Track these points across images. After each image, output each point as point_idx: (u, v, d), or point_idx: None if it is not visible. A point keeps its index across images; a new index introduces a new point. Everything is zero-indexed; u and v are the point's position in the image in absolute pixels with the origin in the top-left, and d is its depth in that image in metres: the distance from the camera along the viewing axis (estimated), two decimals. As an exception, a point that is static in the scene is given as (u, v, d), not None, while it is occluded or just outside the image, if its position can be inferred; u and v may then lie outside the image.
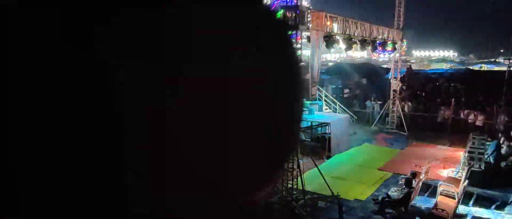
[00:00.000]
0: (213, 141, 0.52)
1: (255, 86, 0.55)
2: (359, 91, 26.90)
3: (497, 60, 57.32)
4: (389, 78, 21.94)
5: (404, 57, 34.04)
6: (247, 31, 0.55)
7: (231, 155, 0.55)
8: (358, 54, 66.01)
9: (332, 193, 10.90)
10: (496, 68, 41.58)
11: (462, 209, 10.05)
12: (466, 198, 10.52)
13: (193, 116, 0.50)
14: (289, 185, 10.33)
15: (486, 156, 13.20)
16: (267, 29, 0.59)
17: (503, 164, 13.08)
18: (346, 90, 27.02)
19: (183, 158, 0.51)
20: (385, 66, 39.74)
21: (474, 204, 10.61)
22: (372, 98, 23.24)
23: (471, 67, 42.93)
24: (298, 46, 10.47)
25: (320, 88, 20.22)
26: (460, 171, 12.99)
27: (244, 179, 0.58)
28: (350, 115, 19.05)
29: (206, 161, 0.52)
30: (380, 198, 10.34)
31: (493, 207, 10.54)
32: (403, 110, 20.70)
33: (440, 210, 9.27)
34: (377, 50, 18.14)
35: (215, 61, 0.51)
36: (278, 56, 0.60)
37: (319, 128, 17.81)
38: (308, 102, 18.62)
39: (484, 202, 10.78)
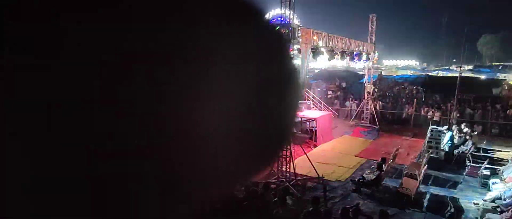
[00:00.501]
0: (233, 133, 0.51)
1: (266, 88, 0.55)
2: (340, 93, 26.86)
3: (450, 67, 57.15)
4: (364, 82, 21.89)
5: (376, 65, 33.90)
6: (259, 42, 0.55)
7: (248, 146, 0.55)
8: (339, 63, 65.86)
9: (318, 175, 10.91)
10: (450, 74, 41.47)
11: (422, 188, 10.04)
12: (425, 179, 10.51)
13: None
14: (283, 169, 10.34)
15: (442, 145, 13.21)
16: (274, 41, 0.59)
17: (455, 151, 13.07)
18: (330, 92, 26.98)
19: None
20: (361, 72, 39.66)
21: (432, 184, 10.61)
22: (350, 98, 23.21)
23: (429, 73, 42.82)
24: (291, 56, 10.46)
25: (308, 90, 20.19)
26: (421, 157, 13.00)
27: (252, 165, 0.58)
28: (333, 112, 18.99)
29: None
30: (357, 179, 10.35)
31: (447, 186, 10.54)
32: (375, 108, 20.66)
33: (405, 189, 9.28)
34: (354, 60, 18.10)
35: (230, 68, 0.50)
36: (282, 63, 0.60)
37: (308, 122, 17.80)
38: (299, 101, 18.62)
39: (440, 182, 10.78)
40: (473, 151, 12.97)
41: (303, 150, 12.18)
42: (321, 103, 19.92)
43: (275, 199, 7.84)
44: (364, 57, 18.71)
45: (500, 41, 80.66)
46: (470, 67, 56.07)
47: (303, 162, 11.81)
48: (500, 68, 49.85)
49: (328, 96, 25.77)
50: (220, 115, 0.49)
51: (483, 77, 37.73)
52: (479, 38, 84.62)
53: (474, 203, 9.14)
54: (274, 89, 0.57)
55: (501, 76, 42.74)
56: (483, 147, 14.44)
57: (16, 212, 0.38)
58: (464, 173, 11.33)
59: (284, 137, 0.65)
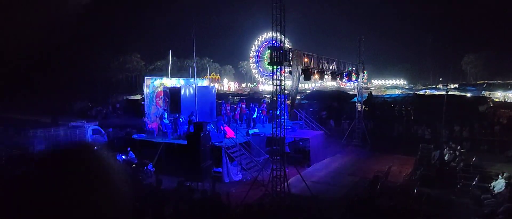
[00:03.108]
0: None
1: None
2: (332, 113, 27.02)
3: (437, 86, 58.21)
4: (355, 102, 22.11)
5: (366, 85, 34.50)
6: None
7: None
8: (330, 83, 66.69)
9: (312, 194, 10.82)
10: (437, 93, 42.15)
11: (416, 205, 9.96)
12: (418, 196, 10.46)
13: None
14: (278, 190, 10.23)
15: (432, 162, 13.25)
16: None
17: (446, 168, 13.09)
18: (323, 112, 27.15)
19: None
20: (351, 92, 40.10)
21: (425, 201, 10.53)
22: (342, 118, 23.35)
23: (417, 92, 43.44)
24: (282, 78, 10.56)
25: (301, 111, 20.29)
26: (413, 174, 13.00)
27: None
28: (325, 131, 19.03)
29: None
30: (350, 198, 10.27)
31: (440, 203, 10.47)
32: (366, 127, 20.80)
33: (400, 206, 9.23)
34: (344, 80, 18.36)
35: None
36: None
37: (301, 143, 17.79)
38: (291, 122, 18.68)
39: (432, 199, 10.70)
40: (463, 167, 13.01)
41: (297, 170, 12.12)
42: (313, 123, 19.98)
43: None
44: (353, 77, 18.99)
45: (483, 60, 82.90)
46: (456, 85, 57.20)
47: (297, 182, 11.73)
48: (484, 86, 50.92)
49: (323, 116, 25.92)
50: None
51: (469, 95, 38.45)
52: (463, 57, 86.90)
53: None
54: None
55: (486, 94, 43.65)
56: (473, 163, 14.51)
57: None
58: (456, 190, 11.32)
59: None
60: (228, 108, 18.24)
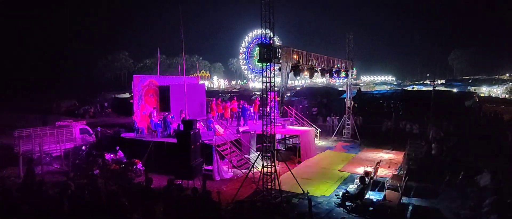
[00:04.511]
0: None
1: None
2: (322, 109, 27.21)
3: (424, 82, 59.06)
4: (344, 98, 22.29)
5: (355, 81, 34.78)
6: None
7: None
8: (319, 80, 67.07)
9: (303, 191, 10.88)
10: (424, 88, 42.82)
11: (405, 199, 10.14)
12: (407, 190, 10.63)
13: None
14: (269, 186, 10.25)
15: (420, 156, 13.45)
16: None
17: (433, 162, 13.30)
18: (314, 109, 27.31)
19: None
20: (340, 88, 40.39)
21: (414, 195, 10.73)
22: (332, 114, 23.53)
23: (405, 88, 44.04)
24: (272, 75, 10.55)
25: (291, 107, 20.35)
26: (402, 169, 13.19)
27: None
28: (315, 128, 19.14)
29: None
30: (341, 194, 10.36)
31: (428, 197, 10.66)
32: (356, 123, 21.00)
33: (388, 201, 9.35)
34: (334, 77, 18.47)
35: None
36: None
37: (291, 139, 17.86)
38: (281, 119, 18.73)
39: (421, 193, 10.90)
40: (450, 161, 13.23)
41: (288, 166, 12.16)
42: (303, 120, 20.07)
43: None
44: (343, 74, 19.13)
45: (469, 56, 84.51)
46: (443, 81, 58.17)
47: (288, 178, 11.76)
48: (470, 81, 51.93)
49: (313, 113, 26.05)
50: None
51: (455, 90, 39.17)
52: (450, 53, 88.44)
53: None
54: None
55: (472, 89, 44.48)
56: (459, 157, 14.78)
57: None
58: (443, 183, 11.52)
59: None
60: (219, 105, 18.12)
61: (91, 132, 17.17)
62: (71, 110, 34.83)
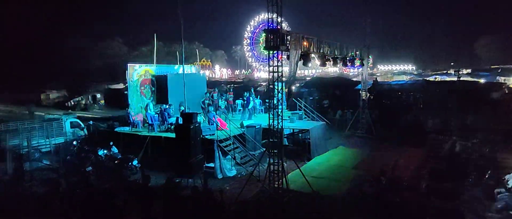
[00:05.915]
0: None
1: None
2: (334, 101, 27.11)
3: (448, 71, 58.45)
4: (359, 89, 22.18)
5: (371, 71, 34.57)
6: None
7: None
8: (332, 69, 66.70)
9: (313, 190, 10.92)
10: (447, 79, 42.40)
11: (425, 200, 10.11)
12: (428, 190, 10.60)
13: None
14: (276, 185, 10.30)
15: (443, 154, 13.40)
16: None
17: (457, 160, 13.24)
18: (325, 101, 27.23)
19: None
20: (355, 79, 40.14)
21: (435, 196, 10.67)
22: (345, 107, 23.45)
23: (427, 78, 43.65)
24: (279, 63, 10.52)
25: (300, 100, 20.32)
26: (422, 168, 13.14)
27: None
28: (327, 122, 19.11)
29: None
30: (354, 194, 10.38)
31: (450, 197, 10.61)
32: (371, 116, 20.92)
33: (406, 202, 9.35)
34: (347, 66, 18.35)
35: None
36: None
37: (300, 134, 17.87)
38: (289, 112, 18.73)
39: (443, 193, 10.85)
40: (475, 159, 13.16)
41: (296, 164, 12.19)
42: (313, 113, 20.04)
43: None
44: (357, 62, 18.98)
45: (499, 43, 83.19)
46: (469, 71, 57.49)
47: (296, 177, 11.81)
48: (499, 71, 51.19)
49: (325, 105, 25.97)
50: None
51: (482, 80, 38.74)
52: (477, 40, 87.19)
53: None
54: None
55: (500, 79, 43.94)
56: (486, 155, 14.68)
57: None
58: (467, 183, 11.47)
59: None
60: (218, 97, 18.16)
61: (83, 126, 17.35)
62: (61, 102, 35.17)
